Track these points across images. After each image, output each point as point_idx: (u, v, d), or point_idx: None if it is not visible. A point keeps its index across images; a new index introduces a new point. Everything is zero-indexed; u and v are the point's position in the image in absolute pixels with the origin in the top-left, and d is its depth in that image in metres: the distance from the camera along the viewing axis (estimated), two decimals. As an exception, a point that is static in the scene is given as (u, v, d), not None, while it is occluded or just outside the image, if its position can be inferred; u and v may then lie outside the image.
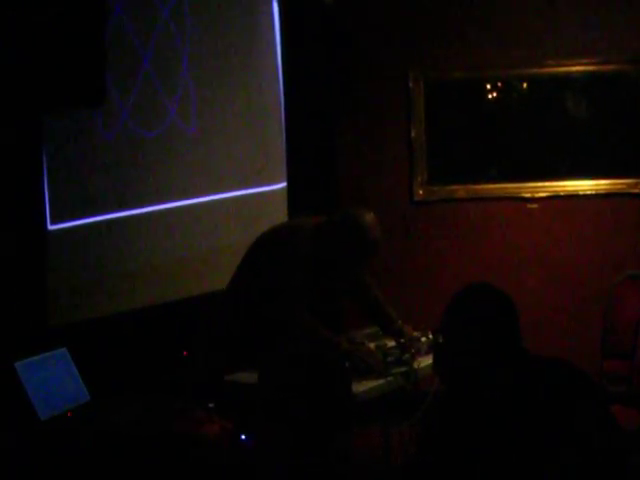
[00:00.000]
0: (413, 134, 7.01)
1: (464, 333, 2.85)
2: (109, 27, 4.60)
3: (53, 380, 4.05)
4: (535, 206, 6.91)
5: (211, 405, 4.37)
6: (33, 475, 3.63)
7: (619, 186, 6.80)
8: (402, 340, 4.58)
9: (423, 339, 4.62)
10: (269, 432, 2.42)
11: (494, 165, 7.05)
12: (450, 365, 2.92)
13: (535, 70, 6.86)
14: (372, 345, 4.62)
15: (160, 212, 5.26)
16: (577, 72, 6.85)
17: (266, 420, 2.41)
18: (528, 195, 6.92)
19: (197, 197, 5.56)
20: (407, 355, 4.47)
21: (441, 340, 2.95)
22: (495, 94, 6.94)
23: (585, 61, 6.78)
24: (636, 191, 6.78)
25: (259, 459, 2.49)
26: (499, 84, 6.93)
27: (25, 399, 3.87)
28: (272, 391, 2.43)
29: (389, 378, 4.36)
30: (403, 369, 4.43)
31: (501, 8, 6.88)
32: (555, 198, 6.89)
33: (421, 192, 7.05)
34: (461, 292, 2.94)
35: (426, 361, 4.45)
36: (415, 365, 4.43)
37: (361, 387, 4.20)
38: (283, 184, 6.49)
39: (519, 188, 6.94)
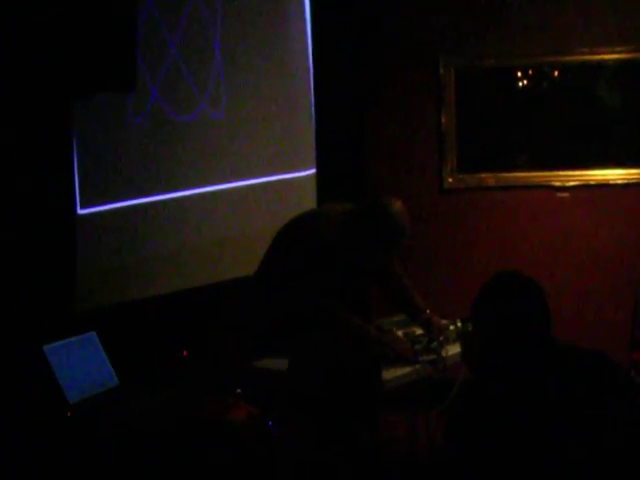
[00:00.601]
0: (443, 121, 6.98)
1: (494, 322, 2.84)
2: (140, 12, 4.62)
3: (82, 364, 4.07)
4: (565, 195, 6.88)
5: (239, 391, 4.38)
6: (62, 458, 3.65)
7: (650, 175, 6.76)
8: (430, 328, 4.58)
9: (451, 327, 4.61)
10: (295, 422, 2.41)
11: (524, 153, 7.02)
12: (479, 354, 2.91)
13: (566, 58, 6.81)
14: (400, 332, 4.62)
15: (189, 197, 5.27)
16: (609, 60, 6.80)
17: (293, 409, 2.40)
18: (558, 184, 6.89)
19: (226, 183, 5.56)
20: (435, 343, 4.47)
21: (470, 329, 2.94)
22: (526, 82, 6.90)
23: (617, 49, 6.73)
24: (667, 180, 6.74)
25: (283, 448, 2.49)
26: (530, 72, 6.89)
27: (54, 382, 3.89)
28: (301, 379, 2.42)
29: (417, 366, 4.36)
30: (431, 357, 4.42)
31: (534, -5, 6.85)
32: (585, 187, 6.85)
33: (450, 180, 7.03)
34: (491, 281, 2.93)
35: (454, 349, 4.44)
36: (443, 353, 4.42)
37: (389, 374, 4.20)
38: (312, 170, 6.49)
39: (549, 176, 6.91)
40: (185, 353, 5.05)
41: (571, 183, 6.87)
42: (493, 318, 2.84)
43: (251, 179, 5.80)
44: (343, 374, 2.38)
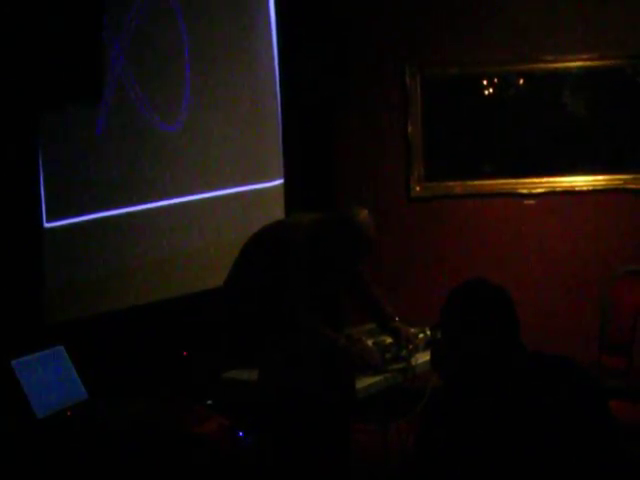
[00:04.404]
0: (410, 130, 7.00)
1: (462, 329, 2.84)
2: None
3: (50, 378, 4.04)
4: (532, 202, 6.91)
5: (209, 402, 4.37)
6: (30, 473, 3.62)
7: (616, 182, 6.80)
8: (399, 337, 4.58)
9: (420, 335, 4.63)
10: (269, 431, 2.41)
11: (491, 161, 7.05)
12: (448, 361, 2.92)
13: (532, 66, 6.86)
14: (370, 342, 4.62)
15: (156, 209, 5.26)
16: (574, 68, 6.84)
17: (266, 419, 2.40)
18: (525, 191, 6.92)
19: (193, 194, 5.55)
20: (405, 352, 4.48)
21: (439, 336, 2.94)
22: (492, 90, 6.94)
23: (582, 57, 6.78)
24: (633, 187, 6.78)
25: (258, 458, 2.48)
26: (496, 80, 6.93)
27: (22, 397, 3.86)
28: (273, 390, 2.42)
29: (387, 375, 4.37)
30: (401, 366, 4.43)
31: (498, 4, 6.87)
32: (552, 194, 6.89)
33: (418, 188, 7.05)
34: (458, 288, 2.93)
35: (424, 357, 4.45)
36: (413, 362, 4.43)
37: (359, 384, 4.20)
38: (280, 181, 6.49)
39: (516, 184, 6.94)
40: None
41: (538, 190, 6.90)
42: (461, 325, 2.85)
43: (219, 190, 5.79)
44: (311, 388, 2.38)
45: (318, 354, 3.76)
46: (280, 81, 6.52)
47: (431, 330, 4.63)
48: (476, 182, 7.01)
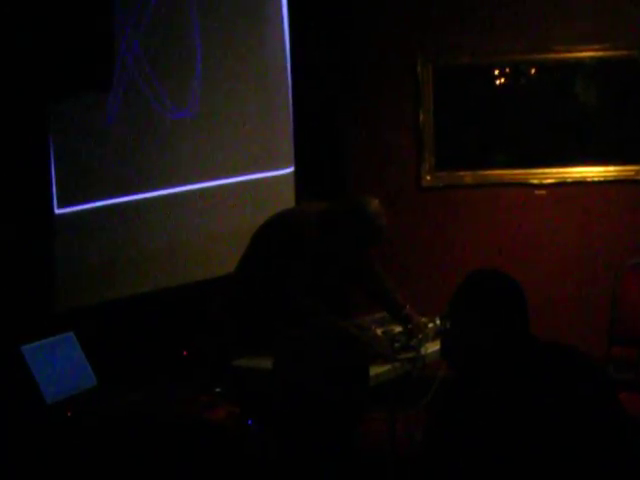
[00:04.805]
0: (421, 120, 6.99)
1: (471, 318, 2.84)
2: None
3: (60, 364, 4.05)
4: (543, 192, 6.90)
5: (218, 390, 4.38)
6: (39, 458, 3.64)
7: (628, 172, 6.77)
8: (409, 326, 4.58)
9: (430, 325, 4.62)
10: (285, 420, 2.39)
11: (502, 151, 7.04)
12: (457, 351, 2.92)
13: (544, 56, 6.83)
14: (379, 331, 4.62)
15: (166, 196, 5.26)
16: (586, 58, 6.82)
17: (284, 407, 2.39)
18: (536, 181, 6.90)
19: (204, 181, 5.55)
20: (414, 341, 4.48)
21: (448, 326, 2.94)
22: (503, 80, 6.92)
23: (594, 47, 6.75)
24: (645, 177, 6.77)
25: (265, 446, 2.48)
26: (507, 70, 6.90)
27: (32, 383, 3.87)
28: (287, 378, 2.41)
29: (396, 364, 4.36)
30: (410, 355, 4.43)
31: (510, -7, 6.86)
32: (563, 184, 6.87)
33: (428, 178, 7.04)
34: (469, 277, 2.93)
35: (433, 347, 4.45)
36: (422, 351, 4.43)
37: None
38: (290, 169, 6.49)
39: (527, 174, 6.93)
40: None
41: (549, 181, 6.89)
42: (470, 314, 2.85)
43: (230, 178, 5.79)
44: (332, 373, 2.37)
45: (326, 344, 3.74)
46: (292, 70, 6.51)
47: (441, 319, 4.62)
48: (487, 172, 6.99)
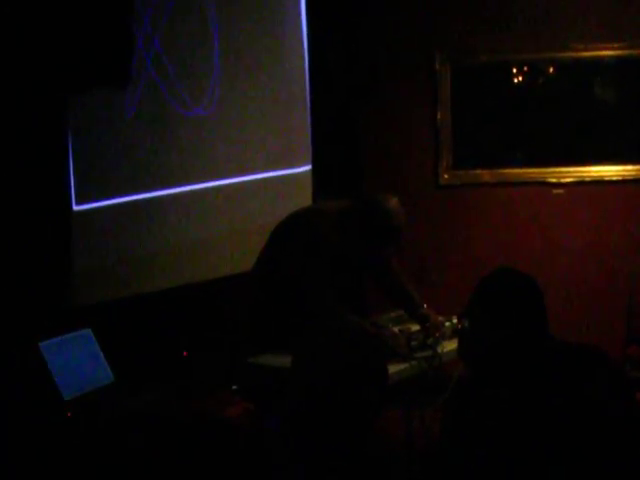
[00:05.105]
0: (439, 118, 6.98)
1: (490, 317, 2.83)
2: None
3: (77, 361, 4.06)
4: (561, 191, 6.88)
5: (234, 387, 4.38)
6: (56, 454, 3.65)
7: (646, 172, 6.76)
8: (426, 324, 4.58)
9: (447, 323, 4.62)
10: (301, 419, 2.40)
11: (520, 149, 7.02)
12: (475, 350, 2.91)
13: (562, 54, 6.81)
14: (396, 329, 4.62)
15: (185, 194, 5.27)
16: (605, 56, 6.80)
17: (300, 406, 2.39)
18: (554, 180, 6.89)
19: (222, 179, 5.56)
20: (431, 339, 4.47)
21: (466, 324, 2.94)
22: (522, 78, 6.90)
23: (613, 45, 6.73)
24: (663, 177, 6.74)
25: (279, 446, 2.48)
26: (526, 68, 6.89)
27: (49, 379, 3.88)
28: (308, 376, 2.41)
29: (413, 362, 4.36)
30: (427, 353, 4.42)
31: (529, -9, 6.85)
32: (581, 184, 6.85)
33: (446, 176, 7.02)
34: (487, 276, 2.93)
35: (450, 346, 4.44)
36: (439, 349, 4.43)
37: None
38: (308, 167, 6.49)
39: (545, 173, 6.91)
40: (185, 354, 5.05)
41: (567, 180, 6.87)
42: (490, 314, 2.84)
43: (248, 175, 5.80)
44: (349, 373, 2.37)
45: (343, 344, 3.75)
46: (309, 68, 6.51)
47: (458, 318, 4.62)
48: (505, 170, 6.98)
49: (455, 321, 4.62)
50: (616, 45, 6.73)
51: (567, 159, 6.87)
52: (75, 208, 4.55)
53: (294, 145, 6.35)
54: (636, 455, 2.71)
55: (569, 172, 6.86)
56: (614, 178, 6.79)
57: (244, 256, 5.13)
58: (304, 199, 6.23)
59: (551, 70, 6.88)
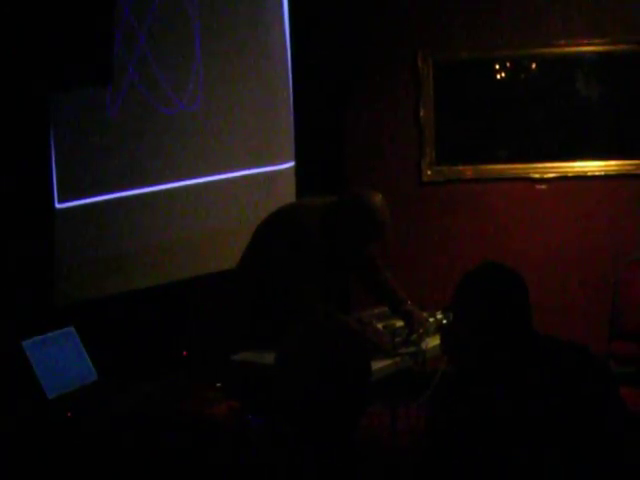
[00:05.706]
0: (422, 114, 6.98)
1: (473, 312, 2.83)
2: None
3: (60, 359, 4.05)
4: (544, 187, 6.89)
5: (218, 385, 4.38)
6: (40, 453, 3.63)
7: (628, 167, 6.77)
8: (410, 320, 4.58)
9: (431, 319, 4.62)
10: (286, 417, 2.39)
11: (503, 146, 7.03)
12: (459, 345, 2.91)
13: (544, 50, 6.82)
14: (380, 325, 4.62)
15: (167, 191, 5.26)
16: (587, 52, 6.80)
17: (284, 404, 2.39)
18: (537, 176, 6.90)
19: (205, 176, 5.55)
20: (415, 335, 4.48)
21: (450, 319, 2.94)
22: (504, 74, 6.91)
23: (595, 41, 6.74)
24: (646, 172, 6.76)
25: (264, 444, 2.47)
26: (508, 64, 6.89)
27: (33, 378, 3.87)
28: (291, 374, 2.40)
29: (397, 358, 4.37)
30: (411, 349, 4.43)
31: (511, -13, 6.85)
32: (564, 179, 6.86)
33: (429, 172, 7.03)
34: (472, 271, 2.93)
35: (434, 341, 4.44)
36: (423, 345, 4.43)
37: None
38: (291, 163, 6.48)
39: (528, 169, 6.92)
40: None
41: (550, 175, 6.88)
42: (473, 307, 2.84)
43: (230, 172, 5.79)
44: (333, 371, 2.36)
45: (327, 341, 3.75)
46: (292, 64, 6.50)
47: (442, 314, 4.63)
48: (487, 166, 6.99)
49: (439, 317, 4.62)
50: (598, 41, 6.73)
51: (550, 155, 6.88)
52: (58, 206, 4.54)
53: (277, 142, 6.34)
54: (620, 450, 2.72)
55: (552, 168, 6.87)
56: (597, 173, 6.81)
57: (228, 253, 5.13)
58: (288, 196, 6.22)
59: (534, 66, 6.89)
